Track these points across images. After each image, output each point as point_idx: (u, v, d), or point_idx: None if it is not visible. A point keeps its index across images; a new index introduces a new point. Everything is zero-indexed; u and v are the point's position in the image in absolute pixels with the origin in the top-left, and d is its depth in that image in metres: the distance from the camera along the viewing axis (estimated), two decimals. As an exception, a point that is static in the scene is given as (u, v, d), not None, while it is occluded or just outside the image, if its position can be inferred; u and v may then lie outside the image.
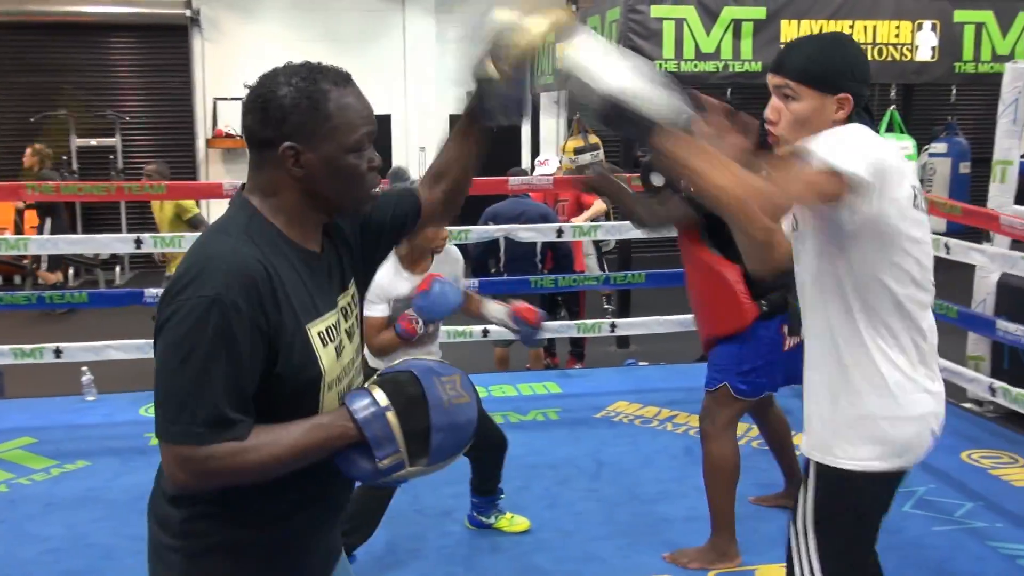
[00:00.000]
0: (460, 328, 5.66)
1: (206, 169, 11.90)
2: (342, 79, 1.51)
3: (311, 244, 1.55)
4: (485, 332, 5.78)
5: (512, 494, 4.18)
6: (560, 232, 5.91)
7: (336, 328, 1.54)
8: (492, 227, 5.83)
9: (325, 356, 1.48)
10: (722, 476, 3.44)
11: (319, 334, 1.48)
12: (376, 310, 3.20)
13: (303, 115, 1.45)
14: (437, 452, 1.43)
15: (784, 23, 7.53)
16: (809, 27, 7.57)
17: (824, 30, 7.59)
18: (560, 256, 6.24)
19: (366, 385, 1.47)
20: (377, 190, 1.57)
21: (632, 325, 6.50)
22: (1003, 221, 4.59)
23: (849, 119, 1.90)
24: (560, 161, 7.97)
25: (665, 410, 5.34)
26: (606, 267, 7.47)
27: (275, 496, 1.48)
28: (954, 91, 9.10)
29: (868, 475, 1.95)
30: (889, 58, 7.80)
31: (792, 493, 3.75)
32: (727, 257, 3.27)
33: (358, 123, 1.48)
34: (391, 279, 3.28)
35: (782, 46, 2.31)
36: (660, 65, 7.30)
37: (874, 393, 1.91)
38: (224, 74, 11.54)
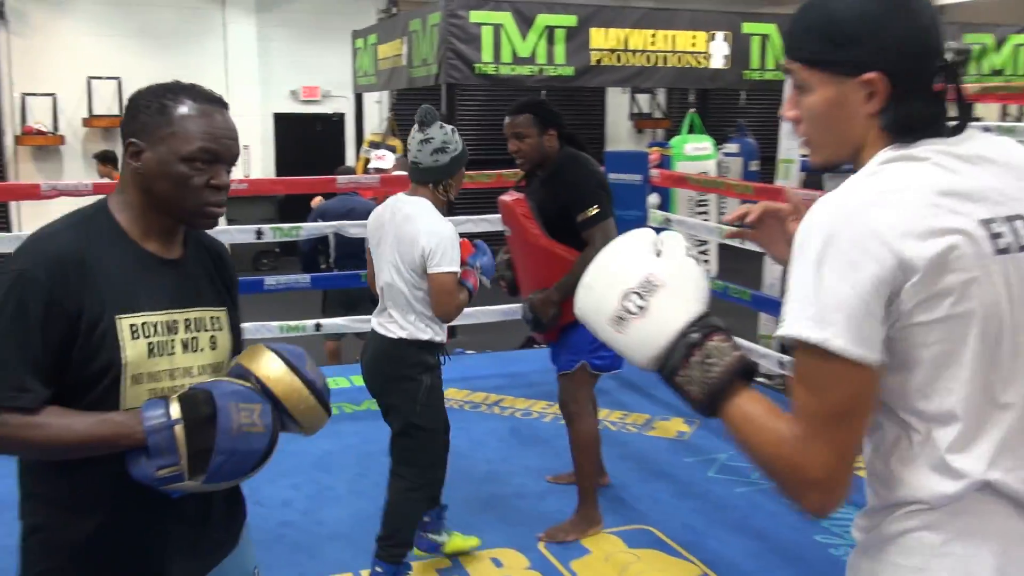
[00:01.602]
0: (293, 323, 5.59)
1: (15, 168, 11.13)
2: (204, 99, 1.54)
3: (154, 247, 1.56)
4: (317, 327, 5.73)
5: (351, 481, 4.19)
6: (388, 228, 5.92)
7: (166, 327, 1.53)
8: (322, 224, 5.77)
9: (131, 348, 1.48)
10: (590, 451, 3.62)
11: (131, 326, 1.48)
12: (450, 267, 2.97)
13: (150, 117, 1.51)
14: (215, 473, 1.42)
15: (593, 30, 7.79)
16: (616, 35, 7.86)
17: (629, 39, 7.93)
18: (388, 251, 6.27)
19: (169, 396, 1.46)
20: (218, 210, 1.56)
21: (462, 315, 6.59)
22: (789, 195, 4.96)
23: (890, 111, 1.19)
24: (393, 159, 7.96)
25: (492, 395, 5.45)
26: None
27: (81, 483, 1.50)
28: (743, 96, 9.72)
29: None
30: (687, 65, 8.20)
31: (600, 471, 3.93)
32: (574, 247, 3.42)
33: (197, 137, 1.50)
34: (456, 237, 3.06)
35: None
36: (478, 69, 7.41)
37: None
38: (33, 69, 10.84)
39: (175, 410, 1.41)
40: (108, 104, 11.14)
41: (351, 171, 6.48)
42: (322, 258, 6.04)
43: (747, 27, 8.46)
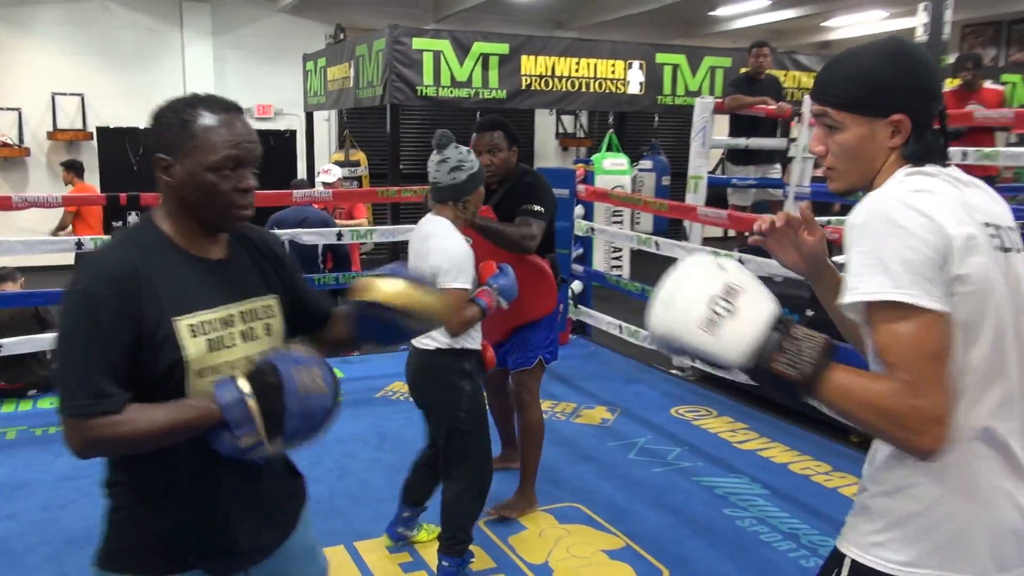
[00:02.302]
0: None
1: (-20, 178, 10.71)
2: (221, 108, 1.52)
3: (201, 250, 1.55)
4: (273, 326, 5.66)
5: (305, 468, 4.14)
6: (340, 235, 5.88)
7: (222, 323, 1.52)
8: (278, 231, 5.70)
9: (192, 347, 1.47)
10: (539, 436, 3.63)
11: (189, 327, 1.48)
12: (460, 283, 2.83)
13: (173, 132, 1.49)
14: (291, 434, 1.45)
15: (524, 58, 7.84)
16: (544, 62, 7.91)
17: (556, 66, 8.00)
18: (340, 257, 6.21)
19: (233, 375, 1.47)
20: (247, 211, 1.54)
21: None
22: (699, 212, 5.11)
23: (910, 144, 1.34)
24: (341, 174, 7.90)
25: (435, 387, 5.45)
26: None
27: (160, 468, 1.50)
28: (656, 118, 9.87)
29: None
30: (607, 90, 8.30)
31: (510, 455, 3.96)
32: (540, 254, 3.46)
33: (220, 146, 1.48)
34: (469, 254, 2.92)
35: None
36: (420, 91, 7.40)
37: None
38: (-1, 85, 10.45)
39: (244, 384, 1.43)
40: (71, 118, 10.79)
41: (305, 184, 6.41)
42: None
43: (660, 57, 8.59)
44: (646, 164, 9.85)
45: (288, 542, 1.68)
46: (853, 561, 1.36)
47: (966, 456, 1.28)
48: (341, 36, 11.15)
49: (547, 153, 13.36)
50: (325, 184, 6.96)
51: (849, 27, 14.23)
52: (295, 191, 5.74)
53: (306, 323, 1.76)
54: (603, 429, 4.74)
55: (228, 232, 1.60)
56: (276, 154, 11.97)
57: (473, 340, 3.02)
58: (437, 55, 7.46)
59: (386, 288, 1.62)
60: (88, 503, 3.73)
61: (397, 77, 7.34)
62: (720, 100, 6.36)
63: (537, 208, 3.39)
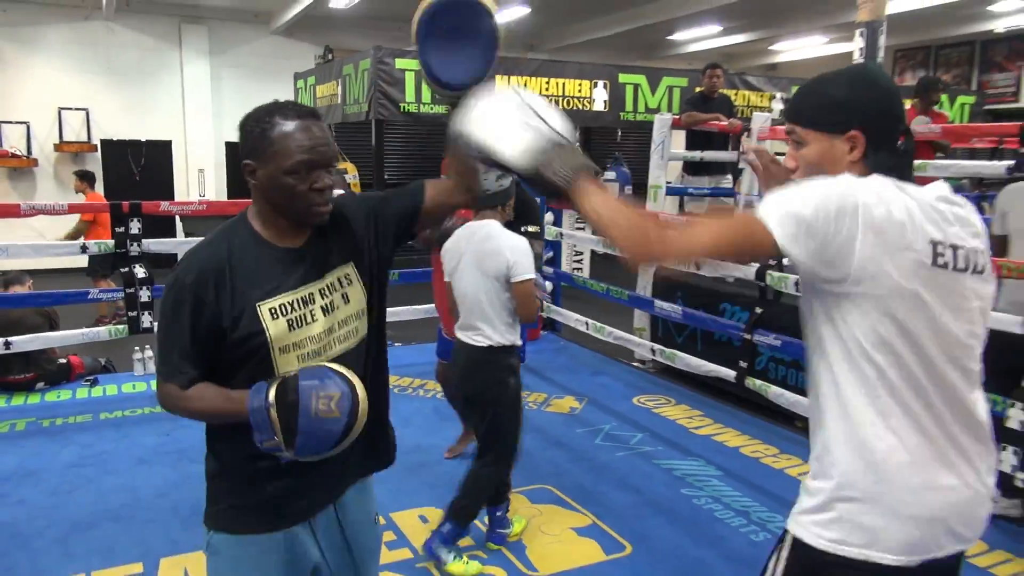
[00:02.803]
0: (245, 322, 5.45)
1: (-8, 187, 10.52)
2: (297, 115, 1.52)
3: (286, 242, 1.59)
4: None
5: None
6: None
7: (300, 303, 1.56)
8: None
9: (273, 327, 1.52)
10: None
11: (269, 310, 1.53)
12: (531, 275, 2.92)
13: (256, 140, 1.52)
14: (301, 449, 1.47)
15: (498, 77, 7.83)
16: (516, 81, 7.92)
17: (528, 85, 8.00)
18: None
19: (272, 381, 1.49)
20: (324, 208, 1.55)
21: (390, 313, 6.52)
22: (659, 218, 5.11)
23: (867, 161, 1.35)
24: None
25: (417, 380, 5.42)
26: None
27: (235, 437, 1.55)
28: (619, 133, 9.91)
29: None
30: (574, 108, 8.32)
31: (468, 438, 3.96)
32: None
33: (295, 151, 1.49)
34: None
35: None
36: (403, 107, 7.38)
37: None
38: (8, 100, 10.24)
39: (271, 394, 1.45)
40: (77, 131, 10.61)
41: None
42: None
43: (623, 77, 8.63)
44: (610, 175, 9.88)
45: (350, 493, 1.73)
46: (793, 537, 1.38)
47: (889, 444, 1.29)
48: (330, 56, 11.08)
49: (520, 165, 13.36)
50: None
51: (793, 51, 14.38)
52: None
53: (412, 214, 1.73)
54: (572, 417, 4.75)
55: (310, 224, 1.60)
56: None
57: (517, 337, 3.03)
58: (419, 74, 7.43)
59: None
60: (93, 489, 3.68)
61: (381, 95, 7.31)
62: (677, 117, 6.39)
63: (534, 229, 3.46)
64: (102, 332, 5.19)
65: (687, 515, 3.50)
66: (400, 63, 7.35)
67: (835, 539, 1.32)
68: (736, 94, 8.95)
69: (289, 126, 1.50)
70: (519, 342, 3.05)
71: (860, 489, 1.31)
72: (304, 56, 11.48)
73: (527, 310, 2.96)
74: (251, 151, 1.52)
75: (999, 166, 4.02)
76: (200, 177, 11.33)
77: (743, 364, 4.37)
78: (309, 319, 1.56)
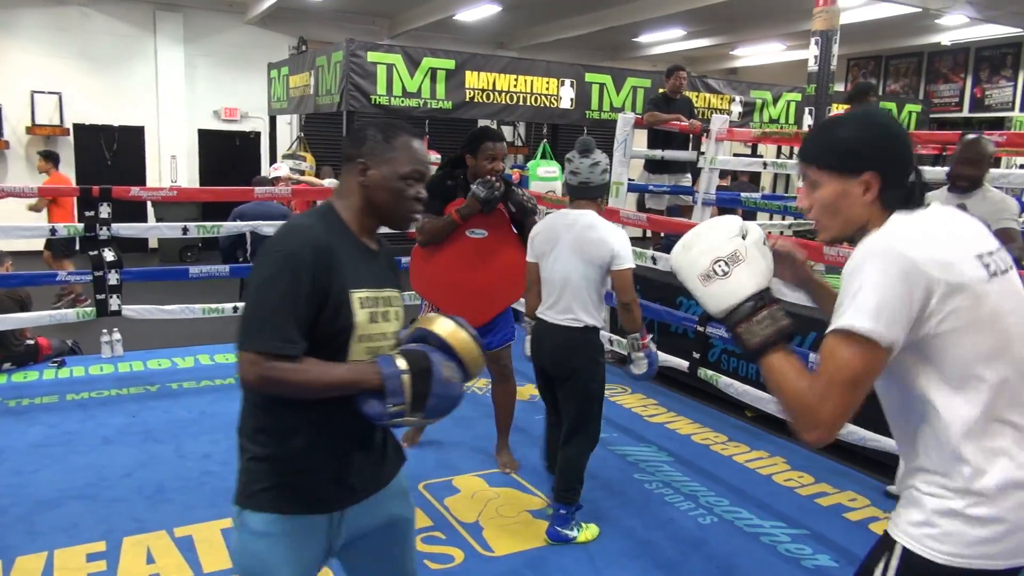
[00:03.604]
0: (214, 306, 5.37)
1: (-35, 169, 10.21)
2: (410, 133, 1.67)
3: (367, 241, 1.68)
4: (235, 309, 5.53)
5: (228, 454, 4.08)
6: (297, 228, 5.77)
7: (376, 302, 1.63)
8: (240, 223, 5.57)
9: (360, 315, 1.58)
10: (514, 401, 3.84)
11: (359, 299, 1.58)
12: (631, 264, 3.03)
13: (377, 143, 1.64)
14: (430, 410, 1.56)
15: (468, 73, 7.81)
16: (487, 78, 7.90)
17: (497, 82, 7.98)
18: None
19: (392, 353, 1.57)
20: (417, 215, 1.69)
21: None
22: (622, 214, 5.15)
23: (883, 199, 1.36)
24: (288, 168, 7.74)
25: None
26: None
27: (299, 419, 1.56)
28: (585, 131, 9.91)
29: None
30: (542, 105, 8.33)
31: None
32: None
33: (411, 161, 1.64)
34: None
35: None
36: (374, 100, 7.32)
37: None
38: (-21, 83, 9.97)
39: (402, 363, 1.54)
40: (50, 115, 10.35)
41: (267, 181, 6.26)
42: (240, 252, 5.82)
43: (589, 76, 8.65)
44: (575, 171, 9.91)
45: (390, 487, 1.75)
46: (904, 548, 1.34)
47: (998, 460, 1.28)
48: (303, 48, 10.95)
49: (488, 159, 13.35)
50: (276, 179, 6.86)
51: (753, 56, 14.53)
52: (257, 187, 5.61)
53: None
54: (531, 404, 4.75)
55: (399, 228, 1.73)
56: (241, 153, 11.73)
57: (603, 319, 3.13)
58: (390, 68, 7.38)
59: (444, 327, 1.66)
60: (58, 468, 3.61)
61: (353, 87, 7.24)
62: (640, 116, 6.43)
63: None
64: (70, 314, 5.08)
65: (639, 499, 3.53)
66: (372, 56, 7.29)
67: (951, 552, 1.29)
68: (697, 96, 9.03)
69: (408, 139, 1.65)
70: (604, 324, 3.17)
71: (972, 501, 1.28)
72: (278, 47, 11.32)
73: (629, 295, 3.03)
74: (368, 152, 1.63)
75: (940, 171, 4.12)
76: (172, 164, 11.12)
77: (696, 355, 4.41)
78: (382, 318, 1.64)
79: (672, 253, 1.45)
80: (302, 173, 8.01)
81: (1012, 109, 12.75)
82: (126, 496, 3.35)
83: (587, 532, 3.12)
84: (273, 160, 9.82)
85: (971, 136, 3.98)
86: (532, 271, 3.19)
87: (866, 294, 1.25)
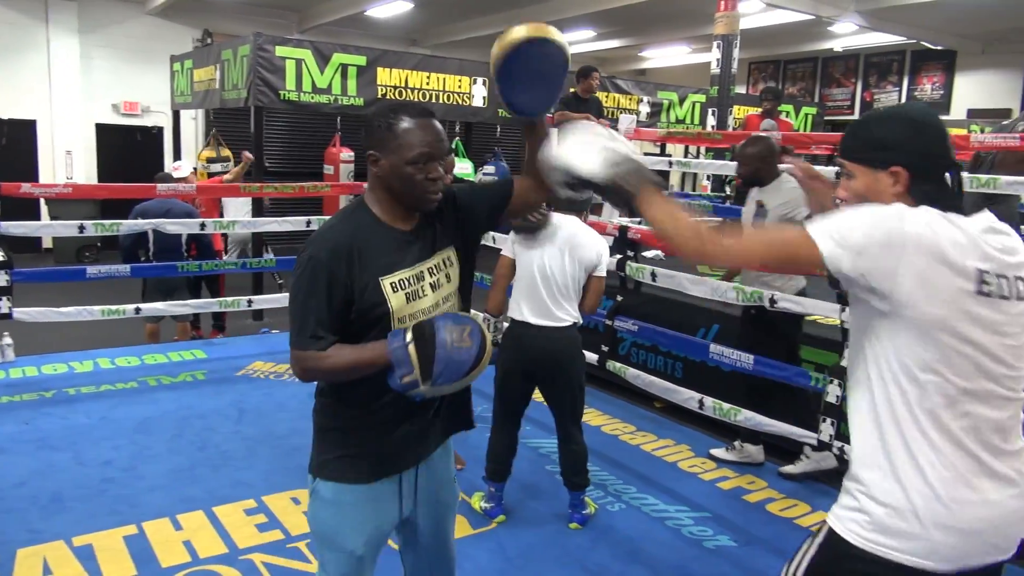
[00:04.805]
0: (114, 307, 5.16)
1: None
2: (418, 113, 1.70)
3: (399, 224, 1.74)
4: (137, 310, 5.33)
5: (169, 441, 3.96)
6: (203, 225, 5.61)
7: (415, 279, 1.73)
8: (142, 221, 5.36)
9: (394, 299, 1.69)
10: None
11: (391, 284, 1.69)
12: (604, 274, 3.22)
13: (382, 133, 1.68)
14: (437, 376, 1.61)
15: (380, 69, 7.73)
16: (399, 75, 7.84)
17: (409, 79, 7.94)
18: (203, 246, 5.91)
19: (406, 326, 1.67)
20: (436, 195, 1.71)
21: (266, 301, 6.33)
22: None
23: (913, 193, 1.40)
24: (196, 168, 7.50)
25: (294, 366, 5.31)
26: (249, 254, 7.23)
27: (364, 393, 1.72)
28: (498, 129, 9.99)
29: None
30: (455, 103, 8.33)
31: None
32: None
33: (416, 145, 1.66)
34: None
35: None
36: (283, 95, 7.17)
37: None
38: None
39: (407, 334, 1.63)
40: (-69, 107, 9.70)
41: (169, 178, 6.03)
42: (142, 252, 5.60)
43: (501, 75, 8.69)
44: (489, 169, 9.95)
45: (436, 454, 1.88)
46: (830, 528, 1.45)
47: (930, 459, 1.34)
48: (208, 40, 10.61)
49: (402, 156, 13.24)
50: (180, 179, 6.61)
51: (660, 58, 14.94)
52: (159, 184, 5.41)
53: (502, 205, 1.88)
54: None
55: (423, 210, 1.76)
56: (143, 149, 11.27)
57: None
58: (299, 63, 7.23)
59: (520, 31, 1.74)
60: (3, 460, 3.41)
61: (261, 81, 7.07)
62: (551, 115, 6.52)
63: None
64: (-45, 318, 4.78)
65: (549, 489, 3.60)
66: (280, 51, 7.12)
67: (870, 539, 1.37)
68: (607, 96, 9.22)
69: (412, 123, 1.68)
70: None
71: (898, 498, 1.35)
72: (181, 39, 10.92)
73: (594, 302, 3.22)
74: (376, 143, 1.69)
75: (830, 171, 4.36)
76: (68, 159, 10.58)
77: (605, 348, 4.53)
78: (421, 294, 1.74)
79: (560, 148, 1.60)
80: (226, 170, 7.80)
81: (898, 113, 13.52)
82: (19, 506, 3.20)
83: (475, 500, 3.36)
84: (178, 157, 9.48)
85: (752, 136, 4.38)
86: (507, 266, 3.29)
87: (844, 218, 1.35)
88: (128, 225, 5.29)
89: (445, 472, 1.93)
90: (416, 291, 1.73)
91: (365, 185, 1.81)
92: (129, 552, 2.89)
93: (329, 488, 1.76)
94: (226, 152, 8.68)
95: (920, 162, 1.40)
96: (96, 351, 5.48)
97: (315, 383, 1.80)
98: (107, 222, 5.22)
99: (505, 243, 3.31)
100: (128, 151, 11.07)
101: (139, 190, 5.59)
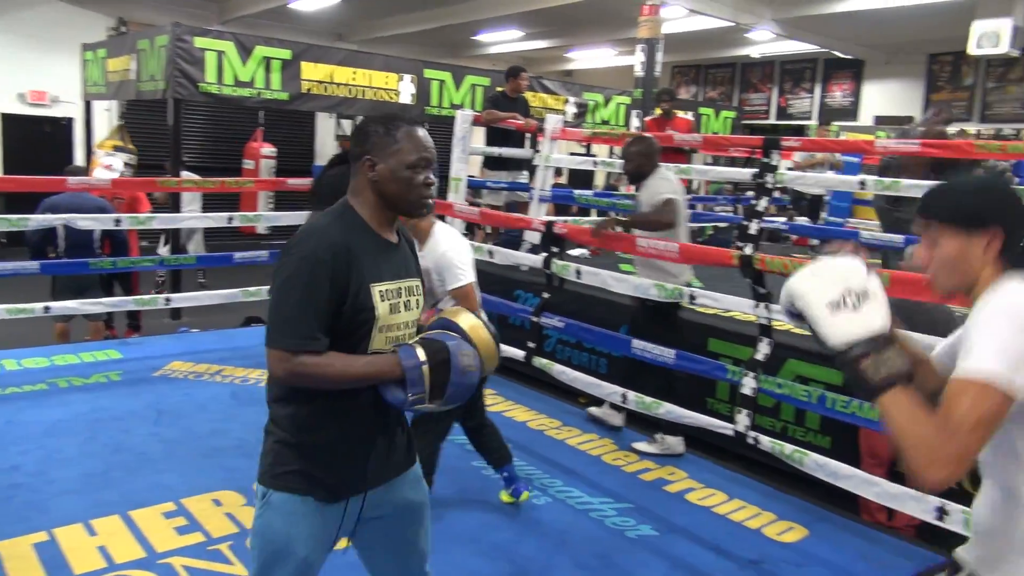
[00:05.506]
0: (20, 306, 4.93)
1: None
2: (410, 122, 1.75)
3: (386, 234, 1.75)
4: (46, 309, 5.10)
5: (80, 445, 3.81)
6: (118, 221, 5.40)
7: (396, 293, 1.73)
8: (51, 216, 5.13)
9: (381, 307, 1.68)
10: None
11: (380, 291, 1.69)
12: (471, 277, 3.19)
13: (380, 139, 1.71)
14: (448, 399, 1.65)
15: (304, 64, 7.60)
16: (324, 70, 7.72)
17: (335, 74, 7.83)
18: (117, 242, 5.69)
19: (412, 343, 1.68)
20: (429, 200, 1.75)
21: (185, 299, 6.16)
22: (456, 208, 5.26)
23: (1004, 255, 1.40)
24: (123, 163, 7.18)
25: (215, 366, 5.17)
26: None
27: (317, 409, 1.69)
28: (426, 126, 9.92)
29: None
30: (381, 99, 8.25)
31: None
32: None
33: (416, 149, 1.71)
34: None
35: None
36: (202, 87, 6.97)
37: None
38: None
39: (422, 354, 1.64)
40: None
41: (81, 171, 5.78)
42: (51, 247, 5.35)
43: (428, 73, 8.67)
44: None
45: (403, 477, 1.86)
46: None
47: None
48: (123, 29, 10.21)
49: (327, 152, 13.03)
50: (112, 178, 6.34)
51: (586, 60, 15.15)
52: (70, 178, 5.19)
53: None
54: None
55: (414, 216, 1.79)
56: (52, 141, 10.76)
57: None
58: (220, 55, 7.04)
59: (468, 321, 1.77)
60: None
61: (180, 73, 6.85)
62: (479, 114, 6.54)
63: None
64: None
65: (476, 484, 3.63)
66: (200, 42, 6.92)
67: None
68: (534, 96, 9.29)
69: (409, 130, 1.72)
70: None
71: None
72: (94, 27, 10.48)
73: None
74: (373, 148, 1.70)
75: (747, 173, 4.51)
76: (-32, 151, 10.02)
77: (531, 345, 4.58)
78: (402, 308, 1.74)
79: (795, 277, 1.39)
80: (133, 170, 7.50)
81: (810, 118, 14.12)
82: (-83, 516, 3.03)
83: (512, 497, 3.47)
84: (90, 149, 9.09)
85: (636, 135, 4.78)
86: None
87: (995, 341, 1.26)
88: (37, 220, 5.06)
89: (411, 474, 1.88)
90: (398, 304, 1.73)
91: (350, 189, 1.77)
92: (40, 559, 2.77)
93: (284, 499, 1.71)
94: (132, 147, 8.37)
95: (1015, 223, 1.41)
96: (1, 352, 5.22)
97: (269, 390, 1.74)
98: (13, 217, 4.98)
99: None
100: (36, 142, 10.56)
101: (48, 183, 5.35)
